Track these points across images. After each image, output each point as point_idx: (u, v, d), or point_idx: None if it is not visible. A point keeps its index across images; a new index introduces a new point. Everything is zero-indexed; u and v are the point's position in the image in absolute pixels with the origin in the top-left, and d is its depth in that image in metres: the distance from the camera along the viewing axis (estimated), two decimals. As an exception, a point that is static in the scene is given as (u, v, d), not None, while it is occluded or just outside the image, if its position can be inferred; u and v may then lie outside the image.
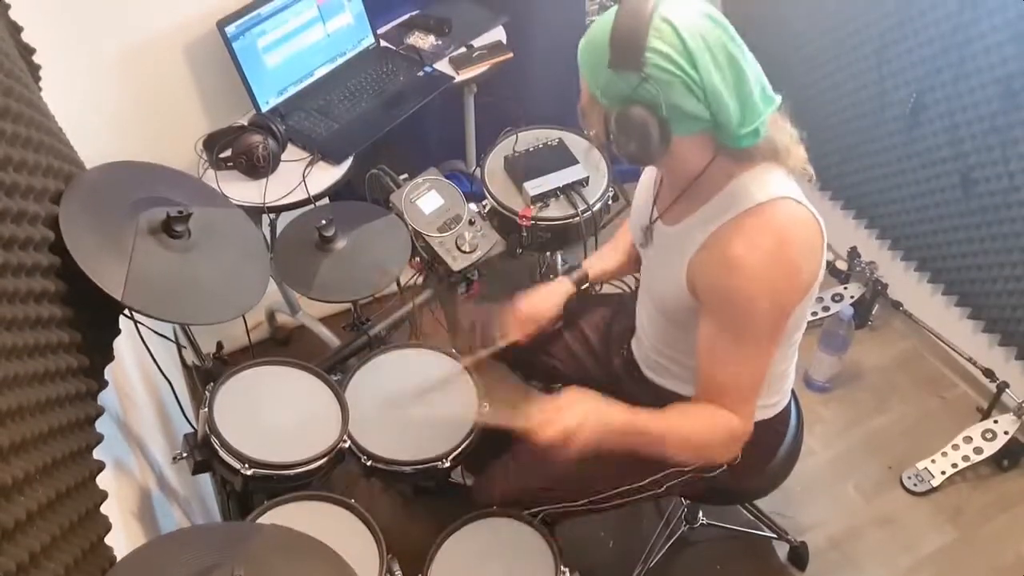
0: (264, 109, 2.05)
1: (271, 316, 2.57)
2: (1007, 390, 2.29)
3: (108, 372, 1.32)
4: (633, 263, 1.70)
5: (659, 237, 1.42)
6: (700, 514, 2.09)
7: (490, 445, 1.62)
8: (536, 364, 1.80)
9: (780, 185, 1.24)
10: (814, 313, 2.59)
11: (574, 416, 1.28)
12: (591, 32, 1.19)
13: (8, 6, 1.40)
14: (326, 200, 2.00)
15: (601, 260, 1.74)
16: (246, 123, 2.00)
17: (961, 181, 2.22)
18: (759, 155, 1.24)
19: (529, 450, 1.71)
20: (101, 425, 1.22)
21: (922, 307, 2.54)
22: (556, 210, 1.95)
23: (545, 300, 1.69)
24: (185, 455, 1.48)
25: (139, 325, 1.42)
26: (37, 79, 1.46)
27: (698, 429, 1.33)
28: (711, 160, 1.24)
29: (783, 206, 1.23)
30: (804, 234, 1.24)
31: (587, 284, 1.73)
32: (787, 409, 1.58)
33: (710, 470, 1.54)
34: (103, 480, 1.13)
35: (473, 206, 1.91)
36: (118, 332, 1.37)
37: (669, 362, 1.53)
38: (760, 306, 1.23)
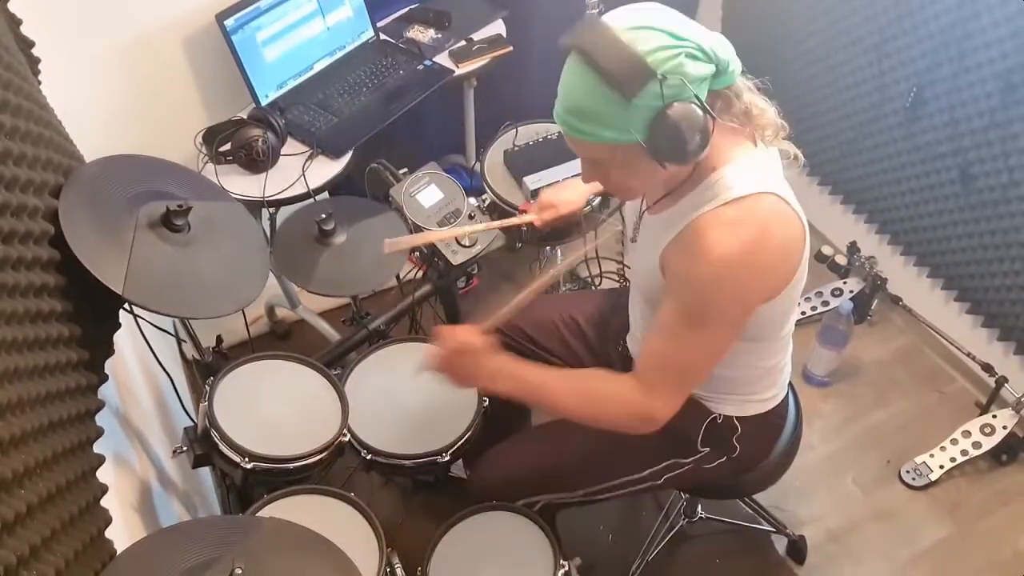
0: (263, 103, 2.05)
1: (271, 310, 2.57)
2: (1006, 385, 2.30)
3: (108, 366, 1.32)
4: None
5: (644, 228, 1.42)
6: (699, 508, 2.09)
7: (488, 437, 1.63)
8: (533, 359, 1.79)
9: (765, 180, 1.21)
10: (813, 308, 2.60)
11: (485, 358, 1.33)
12: (571, 100, 1.15)
13: (7, -1, 1.40)
14: (326, 194, 2.00)
15: None
16: (245, 117, 1.99)
17: (960, 176, 2.22)
18: (736, 117, 1.21)
19: (526, 439, 1.72)
20: (101, 419, 1.22)
21: (921, 302, 2.54)
22: (556, 204, 1.95)
23: (567, 190, 1.80)
24: (185, 449, 1.49)
25: (139, 319, 1.42)
26: (36, 72, 1.46)
27: (606, 398, 1.33)
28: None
29: (766, 201, 1.20)
30: (783, 232, 1.21)
31: None
32: (785, 403, 1.58)
33: (709, 463, 1.54)
34: (103, 473, 1.14)
35: (473, 200, 1.91)
36: (118, 326, 1.37)
37: None
38: (720, 297, 1.21)
